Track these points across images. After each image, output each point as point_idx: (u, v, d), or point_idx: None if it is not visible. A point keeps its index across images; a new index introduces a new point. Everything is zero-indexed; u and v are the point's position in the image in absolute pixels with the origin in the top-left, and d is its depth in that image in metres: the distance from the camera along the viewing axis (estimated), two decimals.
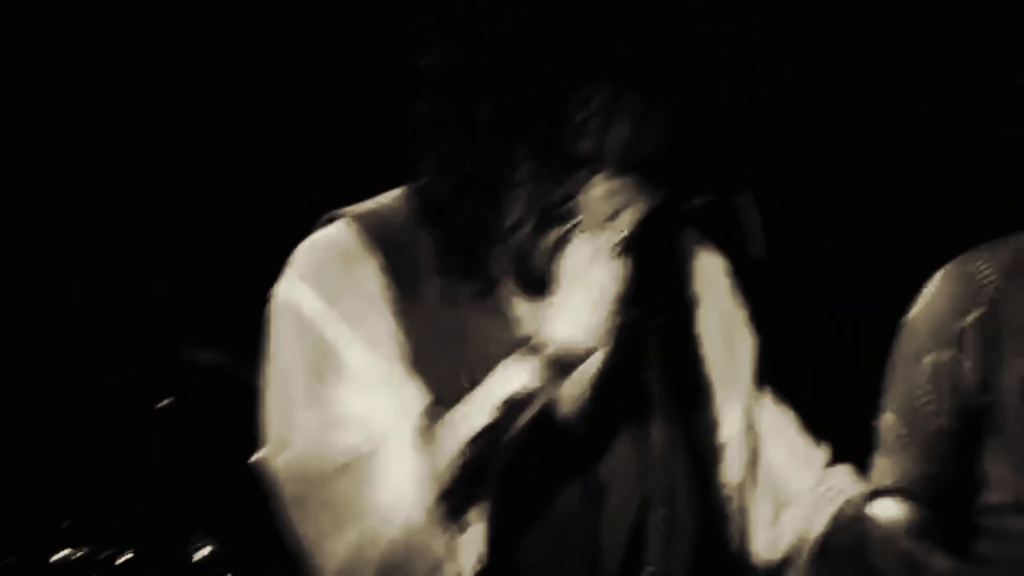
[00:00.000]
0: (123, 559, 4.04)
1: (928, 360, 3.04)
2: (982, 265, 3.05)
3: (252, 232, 4.03)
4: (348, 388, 2.17)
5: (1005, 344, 3.01)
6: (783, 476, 2.45)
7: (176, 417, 4.22)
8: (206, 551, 4.14)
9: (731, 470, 2.41)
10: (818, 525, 2.44)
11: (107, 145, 4.43)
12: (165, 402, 4.20)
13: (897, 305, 3.16)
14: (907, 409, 3.05)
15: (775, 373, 2.50)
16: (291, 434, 2.18)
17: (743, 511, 2.25)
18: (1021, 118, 3.19)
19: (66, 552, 4.05)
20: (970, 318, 3.02)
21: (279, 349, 2.22)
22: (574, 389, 2.23)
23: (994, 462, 3.02)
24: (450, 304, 2.24)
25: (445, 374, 2.21)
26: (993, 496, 3.03)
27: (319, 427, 2.16)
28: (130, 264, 4.40)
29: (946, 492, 3.05)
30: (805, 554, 2.43)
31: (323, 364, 2.18)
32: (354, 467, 2.14)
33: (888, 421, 3.08)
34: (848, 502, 2.47)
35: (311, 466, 2.16)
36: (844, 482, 2.50)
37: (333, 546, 2.16)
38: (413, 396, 2.17)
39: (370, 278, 2.21)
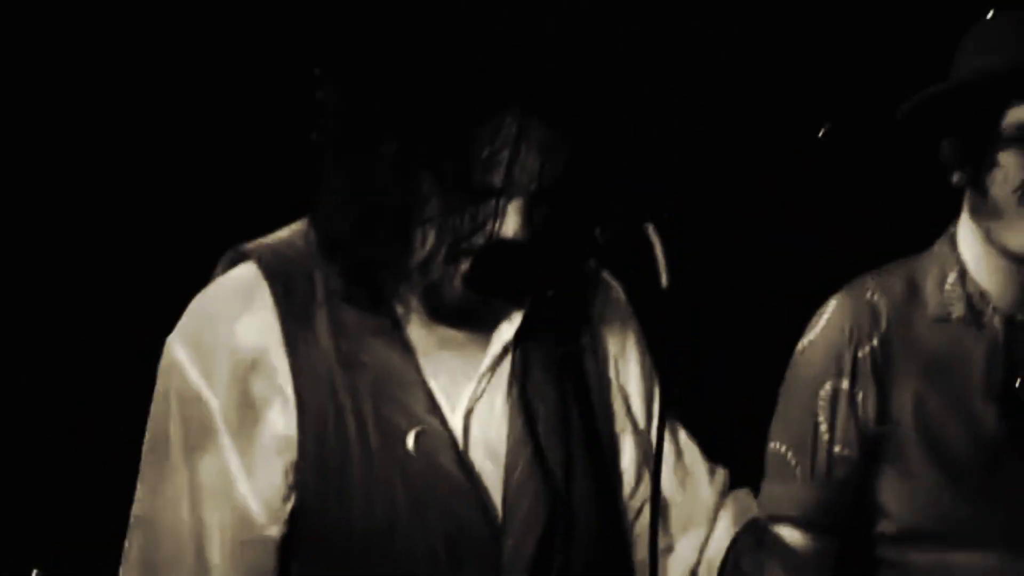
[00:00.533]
0: None
1: (824, 390, 3.06)
2: (874, 294, 3.07)
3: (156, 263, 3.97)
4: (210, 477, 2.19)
5: (899, 372, 3.05)
6: (683, 500, 2.44)
7: None
8: None
9: (631, 497, 2.41)
10: (718, 549, 2.44)
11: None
12: None
13: (790, 328, 3.19)
14: (802, 437, 3.07)
15: (677, 398, 2.46)
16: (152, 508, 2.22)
17: (647, 538, 2.22)
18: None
19: None
20: (865, 347, 3.05)
21: (159, 408, 2.24)
22: None
23: (889, 492, 3.06)
24: (347, 339, 2.23)
25: (341, 403, 2.20)
26: (889, 526, 3.07)
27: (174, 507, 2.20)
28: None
29: (842, 521, 3.07)
30: None
31: (197, 441, 2.20)
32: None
33: (781, 449, 3.09)
34: (749, 525, 2.47)
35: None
36: (747, 503, 2.50)
37: None
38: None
39: (264, 328, 2.20)
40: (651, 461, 2.39)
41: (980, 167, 2.96)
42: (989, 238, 3.01)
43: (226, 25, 4.07)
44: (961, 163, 3.00)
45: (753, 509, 2.51)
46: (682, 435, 2.50)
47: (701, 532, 2.44)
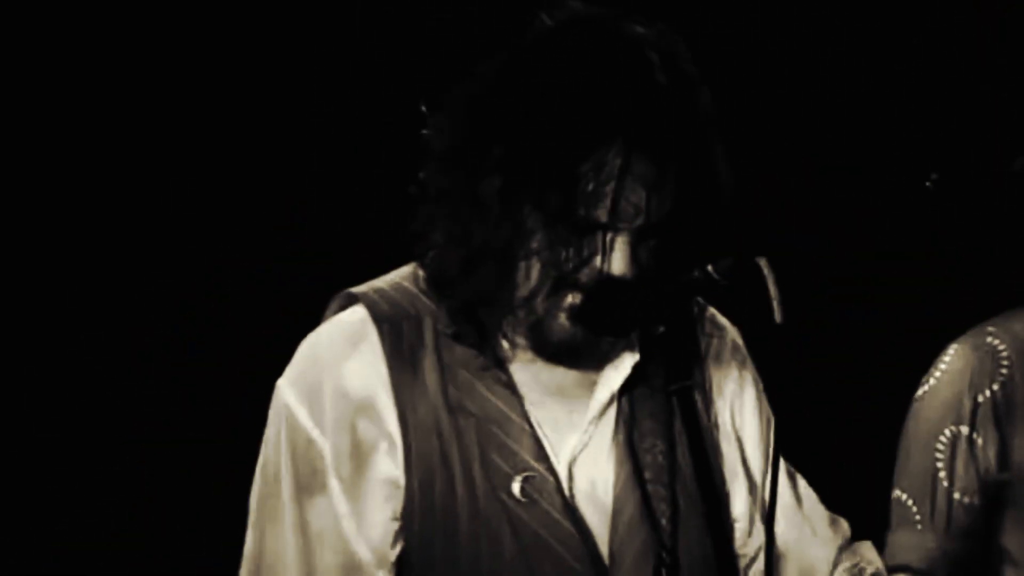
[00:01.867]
0: None
1: (944, 436, 2.99)
2: (995, 340, 3.01)
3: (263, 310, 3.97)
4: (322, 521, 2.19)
5: (1020, 418, 2.97)
6: (801, 550, 2.38)
7: None
8: None
9: (743, 545, 2.35)
10: None
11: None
12: None
13: (910, 375, 3.11)
14: (922, 485, 3.00)
15: (792, 444, 2.41)
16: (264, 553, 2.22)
17: None
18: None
19: None
20: (985, 393, 2.98)
21: (269, 450, 2.23)
22: None
23: (1012, 538, 2.98)
24: (454, 384, 2.20)
25: (448, 448, 2.18)
26: (1013, 572, 2.98)
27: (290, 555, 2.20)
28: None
29: (965, 570, 2.99)
30: None
31: (308, 482, 2.19)
32: None
33: (903, 497, 3.02)
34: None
35: None
36: (869, 556, 2.43)
37: None
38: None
39: (372, 373, 2.19)
40: (765, 508, 2.34)
41: None
42: None
43: (337, 63, 4.06)
44: None
45: (876, 561, 2.44)
46: (801, 483, 2.44)
47: None
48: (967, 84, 4.21)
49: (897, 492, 3.03)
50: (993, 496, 2.97)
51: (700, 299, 2.32)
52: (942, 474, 2.98)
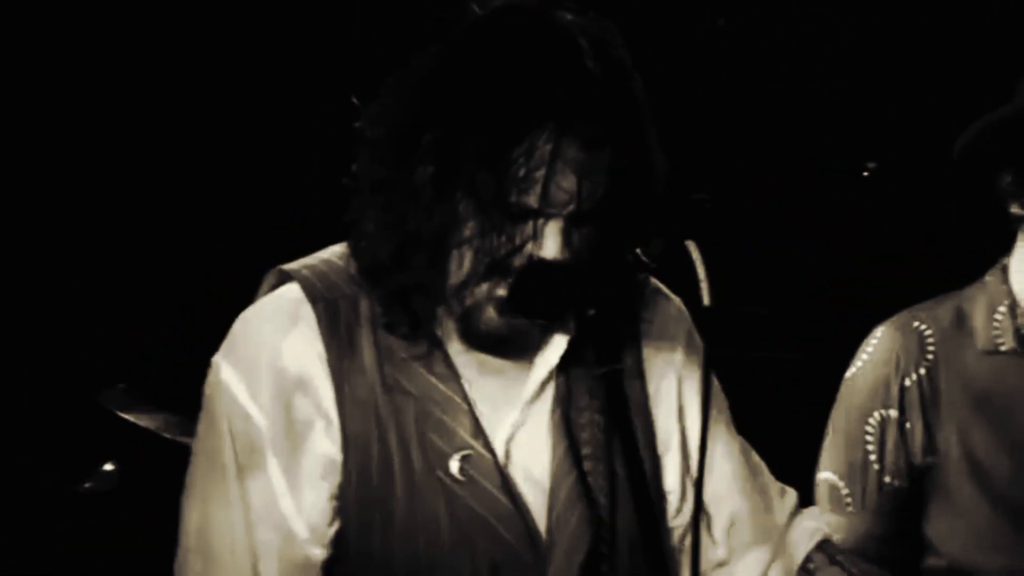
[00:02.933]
0: None
1: (873, 419, 2.99)
2: (921, 324, 3.00)
3: (195, 284, 3.98)
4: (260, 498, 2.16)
5: (946, 403, 2.97)
6: (755, 519, 2.39)
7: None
8: None
9: (675, 517, 2.35)
10: (793, 568, 2.39)
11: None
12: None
13: (834, 358, 3.14)
14: (853, 468, 3.00)
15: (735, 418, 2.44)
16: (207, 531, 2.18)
17: (692, 555, 2.15)
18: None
19: None
20: (912, 377, 2.98)
21: (207, 426, 2.20)
22: None
23: (938, 526, 2.98)
24: (391, 363, 2.18)
25: (385, 427, 2.16)
26: (937, 561, 2.99)
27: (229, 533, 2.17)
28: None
29: (892, 552, 2.99)
30: None
31: (246, 460, 2.16)
32: None
33: (832, 479, 3.01)
34: (823, 544, 2.42)
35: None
36: (817, 524, 2.45)
37: None
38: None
39: (309, 351, 2.17)
40: (708, 476, 2.36)
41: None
42: None
43: (268, 51, 4.07)
44: (1020, 195, 2.89)
45: (823, 528, 2.44)
46: (753, 455, 2.45)
47: (768, 549, 2.39)
48: (904, 70, 4.24)
49: (827, 474, 3.02)
50: (918, 481, 2.97)
51: (643, 275, 2.29)
52: (872, 457, 2.98)
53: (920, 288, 3.10)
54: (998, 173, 2.91)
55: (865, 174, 3.99)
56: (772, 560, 2.38)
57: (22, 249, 4.40)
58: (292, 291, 2.20)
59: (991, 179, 2.92)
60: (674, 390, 2.35)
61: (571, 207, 2.08)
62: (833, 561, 2.39)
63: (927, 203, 4.12)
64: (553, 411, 2.24)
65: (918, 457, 2.96)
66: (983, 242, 3.06)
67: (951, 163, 2.97)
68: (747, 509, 2.38)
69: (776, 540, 2.39)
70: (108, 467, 4.36)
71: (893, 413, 2.97)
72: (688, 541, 2.33)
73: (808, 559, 2.38)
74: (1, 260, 4.41)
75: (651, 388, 2.33)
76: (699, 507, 2.11)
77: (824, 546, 2.41)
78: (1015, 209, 2.92)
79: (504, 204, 2.07)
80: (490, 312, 2.12)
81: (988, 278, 3.04)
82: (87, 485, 4.32)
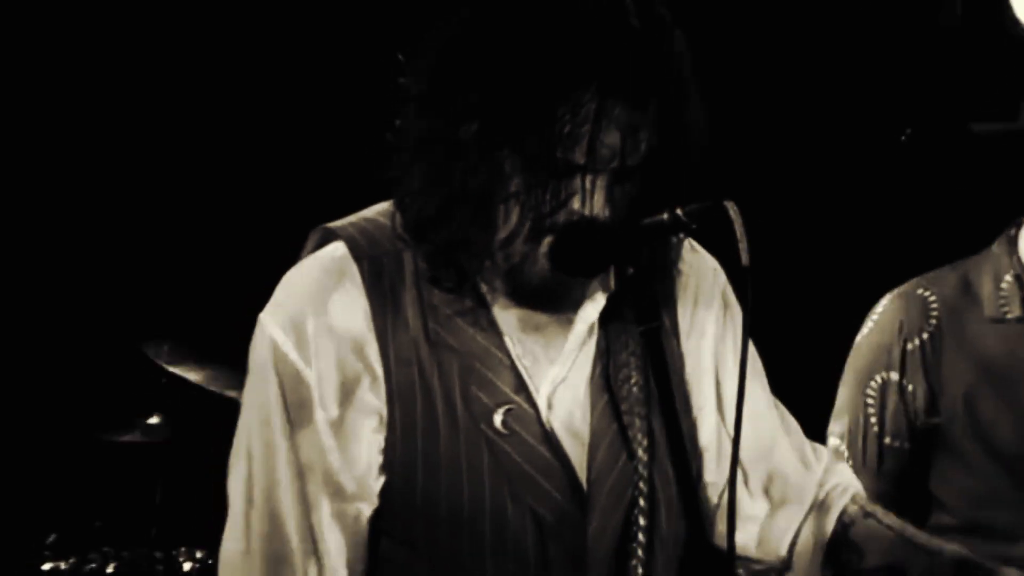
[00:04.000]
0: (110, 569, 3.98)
1: (874, 382, 3.03)
2: (925, 292, 3.03)
3: (240, 241, 3.97)
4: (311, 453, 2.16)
5: (950, 367, 3.00)
6: (785, 475, 2.39)
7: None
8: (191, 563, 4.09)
9: (712, 472, 2.36)
10: (828, 525, 2.39)
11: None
12: None
13: (853, 325, 3.15)
14: (853, 429, 3.03)
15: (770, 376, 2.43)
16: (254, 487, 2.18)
17: (728, 511, 2.14)
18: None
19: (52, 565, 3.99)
20: (915, 341, 3.01)
21: (257, 382, 2.19)
22: None
23: (946, 485, 3.01)
24: (435, 319, 2.18)
25: (429, 382, 2.16)
26: (945, 519, 3.01)
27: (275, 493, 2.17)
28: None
29: (898, 510, 2.98)
30: (818, 547, 2.38)
31: (295, 415, 2.16)
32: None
33: (835, 441, 3.05)
34: (856, 496, 2.43)
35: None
36: (850, 479, 2.45)
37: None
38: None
39: (355, 308, 2.16)
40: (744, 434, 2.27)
41: None
42: None
43: (315, 12, 4.06)
44: None
45: (856, 484, 2.45)
46: (787, 414, 2.45)
47: (802, 505, 2.40)
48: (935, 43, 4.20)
49: (832, 438, 3.06)
50: (923, 441, 2.99)
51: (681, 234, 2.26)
52: (872, 419, 3.02)
53: (935, 260, 3.14)
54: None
55: (904, 139, 3.95)
56: (807, 515, 2.39)
57: (71, 205, 4.40)
58: (337, 249, 2.20)
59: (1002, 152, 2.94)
60: (710, 349, 2.35)
61: (615, 163, 2.08)
62: (867, 515, 2.38)
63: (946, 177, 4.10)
64: (593, 367, 2.24)
65: (920, 418, 2.98)
66: (996, 216, 3.10)
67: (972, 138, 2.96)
68: (783, 466, 2.39)
69: (811, 496, 2.39)
70: (155, 420, 4.37)
71: (894, 376, 3.00)
72: (725, 498, 2.33)
73: (843, 512, 2.38)
74: (51, 217, 4.41)
75: (686, 346, 2.32)
76: (735, 464, 2.11)
77: (857, 499, 2.41)
78: None
79: (550, 160, 2.06)
80: (541, 263, 2.12)
81: (994, 248, 3.06)
82: (134, 437, 4.34)
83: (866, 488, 2.88)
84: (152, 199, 4.49)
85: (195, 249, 4.43)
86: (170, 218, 4.47)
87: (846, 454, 3.01)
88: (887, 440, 3.01)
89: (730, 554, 2.13)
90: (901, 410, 3.00)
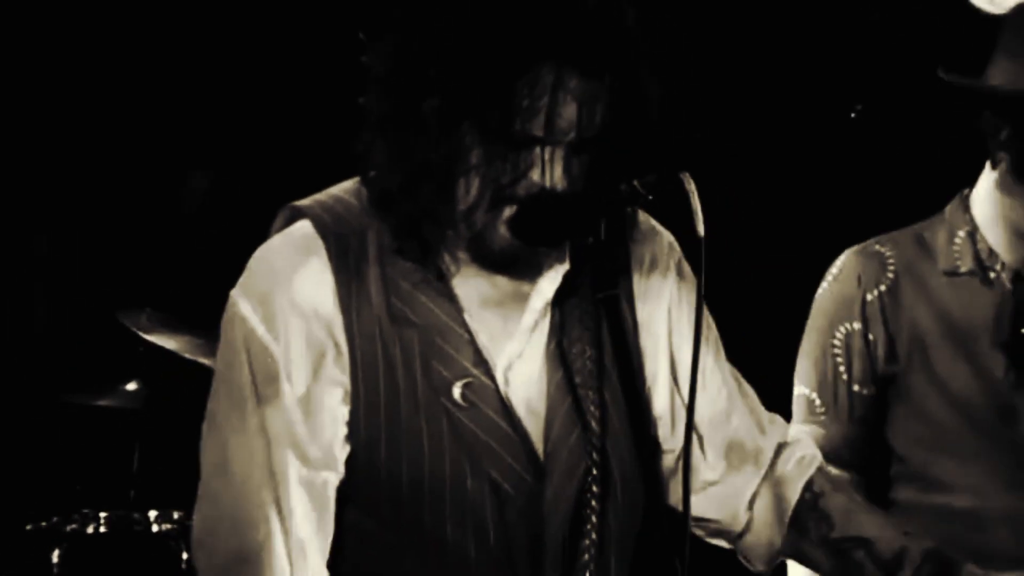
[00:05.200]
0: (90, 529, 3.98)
1: (840, 332, 3.08)
2: (882, 248, 3.10)
3: (218, 212, 3.97)
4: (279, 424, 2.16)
5: (907, 318, 3.05)
6: (742, 441, 2.41)
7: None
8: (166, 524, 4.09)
9: (667, 439, 2.37)
10: (794, 492, 2.42)
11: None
12: None
13: (807, 288, 3.19)
14: (824, 379, 3.08)
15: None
16: (225, 459, 2.19)
17: (683, 477, 2.15)
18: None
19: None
20: (874, 292, 3.06)
21: (228, 357, 2.20)
22: None
23: (904, 435, 3.05)
24: (397, 295, 2.19)
25: (391, 356, 2.17)
26: (903, 468, 3.06)
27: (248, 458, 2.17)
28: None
29: (863, 457, 3.07)
30: (780, 511, 2.41)
31: (264, 389, 2.17)
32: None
33: (807, 392, 3.10)
34: (822, 469, 2.46)
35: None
36: (814, 451, 2.47)
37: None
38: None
39: (320, 283, 2.18)
40: (700, 401, 2.33)
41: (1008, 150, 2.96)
42: (1011, 211, 3.00)
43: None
44: (1007, 143, 2.96)
45: (819, 456, 2.47)
46: (744, 383, 2.46)
47: (758, 471, 2.42)
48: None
49: (801, 388, 3.11)
50: (884, 388, 3.05)
51: (635, 208, 2.28)
52: (841, 368, 3.07)
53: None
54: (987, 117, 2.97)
55: (853, 116, 3.98)
56: (764, 478, 2.41)
57: (50, 171, 4.37)
58: (304, 227, 2.20)
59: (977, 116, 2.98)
60: (664, 319, 2.35)
61: (572, 135, 2.09)
62: (836, 489, 2.43)
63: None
64: (548, 342, 2.25)
65: (881, 365, 3.04)
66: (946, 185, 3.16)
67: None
68: (739, 432, 2.40)
69: (767, 460, 2.41)
70: (132, 386, 4.36)
71: (857, 326, 3.06)
72: (681, 463, 2.32)
73: (811, 482, 2.41)
74: (29, 183, 4.38)
75: (641, 317, 2.33)
76: (690, 430, 2.13)
77: (824, 472, 2.45)
78: (992, 148, 2.99)
79: (508, 133, 2.07)
80: (501, 231, 2.13)
81: (948, 209, 3.13)
82: (112, 402, 4.33)
83: (840, 435, 3.05)
84: (131, 168, 4.46)
85: (173, 219, 4.41)
86: (150, 188, 4.45)
87: (817, 402, 3.06)
88: (855, 387, 3.05)
89: (685, 517, 2.13)
90: (866, 358, 3.05)
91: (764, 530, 2.41)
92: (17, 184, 4.42)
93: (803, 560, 2.43)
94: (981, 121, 2.97)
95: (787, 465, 2.42)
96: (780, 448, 2.43)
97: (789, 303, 3.34)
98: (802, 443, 2.46)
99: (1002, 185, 3.00)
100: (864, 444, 3.03)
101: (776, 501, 2.40)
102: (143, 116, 4.44)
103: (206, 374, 2.24)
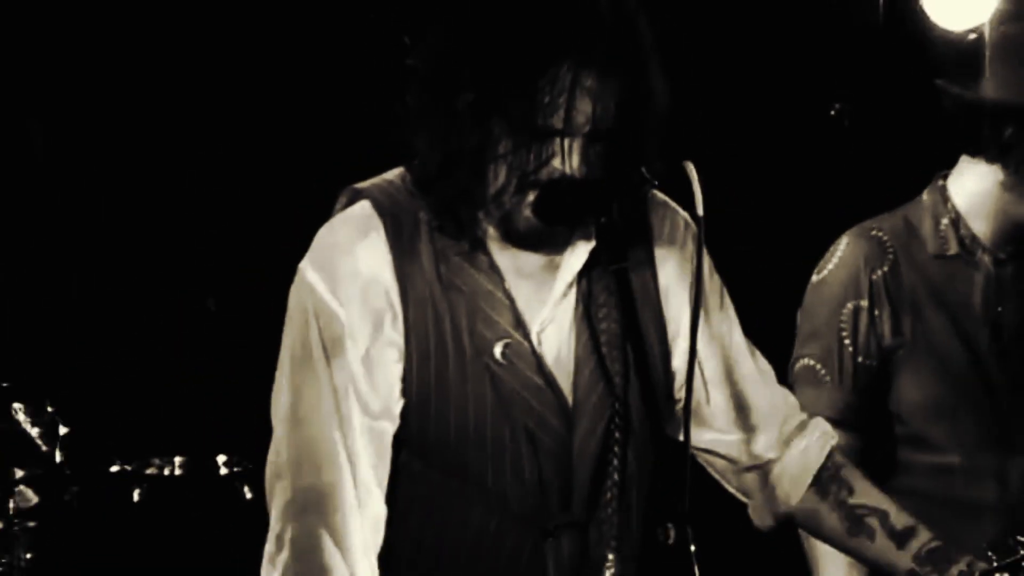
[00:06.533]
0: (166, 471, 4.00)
1: (846, 309, 3.09)
2: (879, 232, 3.13)
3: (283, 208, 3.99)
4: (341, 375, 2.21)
5: (907, 295, 3.09)
6: (754, 401, 2.46)
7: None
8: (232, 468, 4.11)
9: (679, 390, 2.41)
10: (818, 458, 2.46)
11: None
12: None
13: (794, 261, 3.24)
14: (829, 351, 3.10)
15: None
16: (293, 406, 2.23)
17: (684, 414, 2.22)
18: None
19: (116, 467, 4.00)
20: (878, 272, 3.09)
21: (298, 320, 2.25)
22: None
23: (904, 401, 3.09)
24: (443, 260, 2.25)
25: (441, 319, 2.23)
26: (903, 430, 3.10)
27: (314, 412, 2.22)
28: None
29: (865, 422, 3.08)
30: (808, 475, 2.45)
31: (330, 348, 2.22)
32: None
33: (810, 363, 3.11)
34: (838, 445, 2.52)
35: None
36: (830, 428, 2.53)
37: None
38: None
39: (378, 256, 2.23)
40: (717, 362, 2.42)
41: (1011, 151, 3.00)
42: (1004, 204, 3.06)
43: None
44: (1005, 145, 3.01)
45: (835, 434, 2.53)
46: (760, 357, 2.51)
47: (774, 432, 2.46)
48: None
49: (804, 360, 3.13)
50: (886, 360, 3.09)
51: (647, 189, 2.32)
52: (847, 341, 3.08)
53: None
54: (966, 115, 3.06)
55: (832, 113, 3.99)
56: (784, 444, 2.47)
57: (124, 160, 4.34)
58: (364, 207, 2.27)
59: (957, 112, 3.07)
60: (684, 285, 2.40)
61: (588, 128, 2.15)
62: (854, 465, 2.48)
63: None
64: (576, 307, 2.31)
65: (887, 339, 3.08)
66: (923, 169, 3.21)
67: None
68: (750, 392, 2.46)
69: (779, 426, 2.47)
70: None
71: (864, 303, 3.08)
72: (694, 408, 2.40)
73: (832, 454, 2.47)
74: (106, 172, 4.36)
75: (663, 284, 2.38)
76: (691, 381, 2.18)
77: (841, 448, 2.51)
78: (992, 147, 3.03)
79: (532, 126, 2.14)
80: (526, 213, 2.19)
81: (927, 196, 3.18)
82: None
83: (842, 402, 3.04)
84: (207, 171, 4.42)
85: (243, 214, 4.38)
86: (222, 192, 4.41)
87: (822, 372, 3.08)
88: (860, 359, 3.07)
89: (686, 445, 2.20)
90: (871, 333, 3.07)
91: (785, 487, 2.46)
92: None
93: (816, 519, 2.46)
94: (982, 125, 3.01)
95: (812, 435, 2.48)
96: (802, 422, 2.50)
97: (780, 281, 3.33)
98: (821, 421, 2.53)
99: (1005, 182, 3.05)
100: (865, 410, 3.06)
101: (800, 463, 2.46)
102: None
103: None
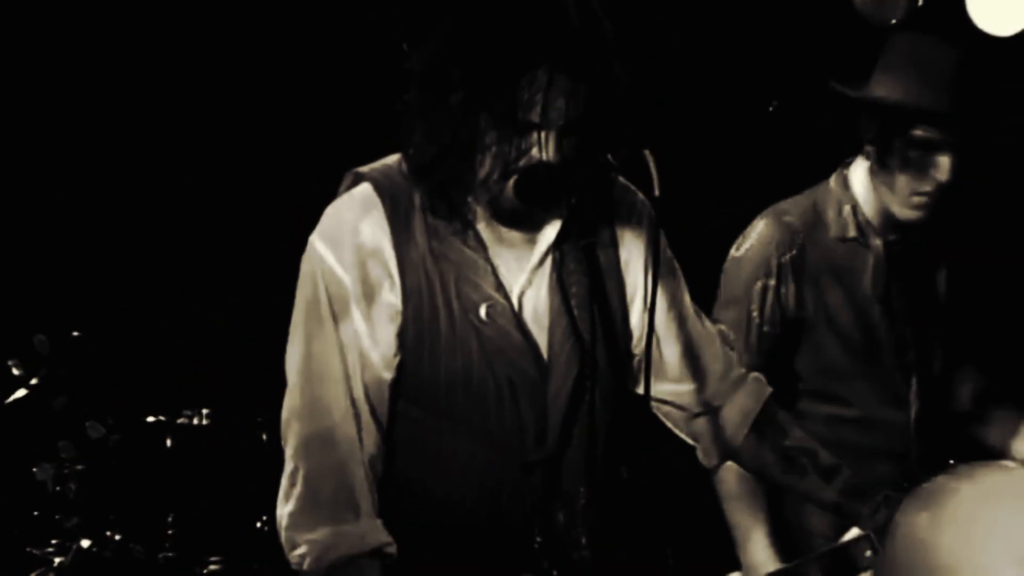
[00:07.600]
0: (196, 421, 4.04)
1: (757, 285, 3.23)
2: (790, 218, 3.27)
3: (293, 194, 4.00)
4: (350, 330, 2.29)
5: (811, 274, 3.23)
6: (700, 354, 2.52)
7: None
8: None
9: (636, 346, 2.48)
10: (757, 404, 2.55)
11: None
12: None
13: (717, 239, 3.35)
14: (739, 320, 3.24)
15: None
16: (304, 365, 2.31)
17: (644, 366, 2.30)
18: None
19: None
20: (786, 257, 3.22)
21: (308, 285, 2.32)
22: None
23: (804, 362, 3.26)
24: (437, 239, 2.33)
25: (433, 285, 2.31)
26: (803, 386, 3.27)
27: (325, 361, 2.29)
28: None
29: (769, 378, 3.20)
30: (749, 420, 2.53)
31: (337, 309, 2.29)
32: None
33: (723, 329, 3.23)
34: (771, 395, 2.61)
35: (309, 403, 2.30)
36: (763, 379, 2.64)
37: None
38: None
39: (379, 231, 2.30)
40: (668, 320, 2.47)
41: (889, 151, 3.14)
42: (879, 193, 3.21)
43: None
44: (875, 141, 3.18)
45: (766, 384, 2.63)
46: (707, 321, 2.59)
47: (719, 381, 2.52)
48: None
49: (719, 325, 3.23)
50: (788, 329, 3.24)
51: (613, 173, 2.41)
52: (755, 313, 3.23)
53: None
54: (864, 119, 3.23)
55: (771, 109, 4.07)
56: (728, 392, 2.53)
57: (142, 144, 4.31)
58: (366, 188, 2.36)
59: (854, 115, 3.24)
60: (641, 256, 2.48)
61: (561, 122, 2.23)
62: (786, 414, 2.60)
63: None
64: (551, 274, 2.39)
65: (790, 312, 3.23)
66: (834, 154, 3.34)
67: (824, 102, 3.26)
68: (696, 346, 2.52)
69: (724, 375, 2.54)
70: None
71: (772, 282, 3.22)
72: (652, 362, 2.41)
73: (768, 402, 2.56)
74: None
75: (623, 255, 2.47)
76: (650, 340, 2.30)
77: (774, 398, 2.61)
78: (865, 142, 3.22)
79: (514, 120, 2.23)
80: (508, 196, 2.27)
81: (832, 183, 3.33)
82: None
83: (749, 363, 3.10)
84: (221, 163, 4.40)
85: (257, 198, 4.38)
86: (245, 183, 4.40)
87: (732, 336, 3.22)
88: (765, 328, 3.22)
89: (646, 395, 2.30)
90: (776, 306, 3.21)
91: (729, 431, 2.54)
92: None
93: (755, 458, 2.55)
94: (859, 121, 3.19)
95: (751, 386, 2.57)
96: (742, 374, 2.58)
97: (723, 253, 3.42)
98: (758, 375, 2.63)
99: (872, 172, 3.23)
100: (765, 370, 3.07)
101: (742, 410, 2.54)
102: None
103: None
